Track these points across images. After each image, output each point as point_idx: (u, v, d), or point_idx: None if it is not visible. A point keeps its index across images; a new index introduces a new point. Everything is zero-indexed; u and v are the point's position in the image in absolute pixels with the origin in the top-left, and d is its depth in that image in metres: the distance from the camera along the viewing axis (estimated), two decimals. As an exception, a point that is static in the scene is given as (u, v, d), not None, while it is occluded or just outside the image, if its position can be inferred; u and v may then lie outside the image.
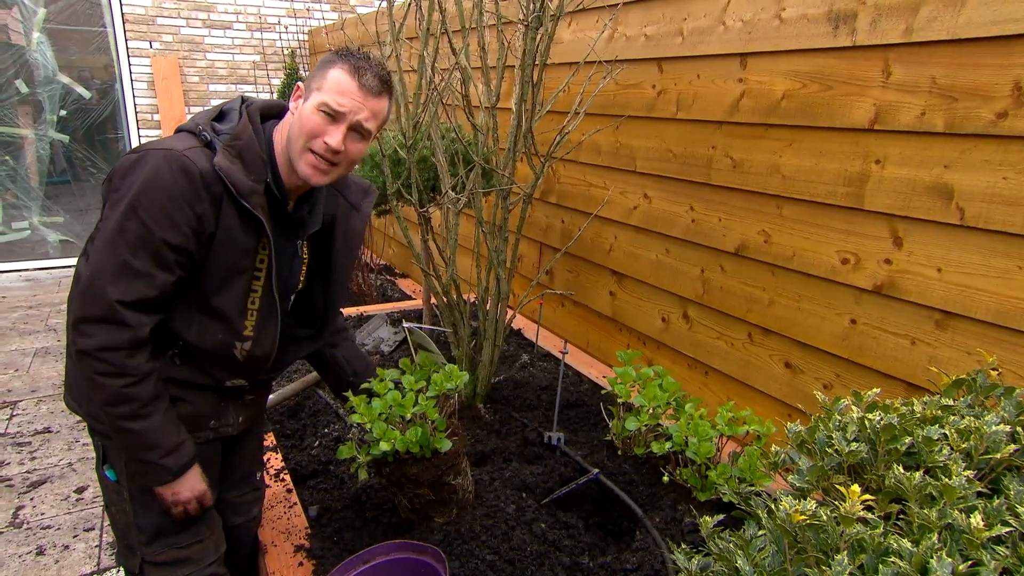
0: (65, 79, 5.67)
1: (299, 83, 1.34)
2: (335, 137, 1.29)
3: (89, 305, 1.20)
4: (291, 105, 1.34)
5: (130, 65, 5.96)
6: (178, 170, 1.20)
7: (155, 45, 6.06)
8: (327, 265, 1.52)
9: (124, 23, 5.88)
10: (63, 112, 5.70)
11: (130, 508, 1.42)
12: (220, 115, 1.34)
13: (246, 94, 1.41)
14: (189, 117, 1.39)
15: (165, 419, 1.32)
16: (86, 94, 5.80)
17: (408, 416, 1.77)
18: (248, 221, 1.30)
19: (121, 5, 5.85)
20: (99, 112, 5.92)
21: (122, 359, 1.22)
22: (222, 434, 1.51)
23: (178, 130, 1.30)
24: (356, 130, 1.31)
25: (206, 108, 1.39)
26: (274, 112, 1.40)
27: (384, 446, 1.69)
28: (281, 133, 1.36)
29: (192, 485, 1.39)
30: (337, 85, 1.28)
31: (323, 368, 1.80)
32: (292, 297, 1.51)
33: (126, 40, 5.91)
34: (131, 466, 1.36)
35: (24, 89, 5.50)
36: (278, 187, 1.35)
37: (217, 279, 1.30)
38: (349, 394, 1.84)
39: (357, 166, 3.46)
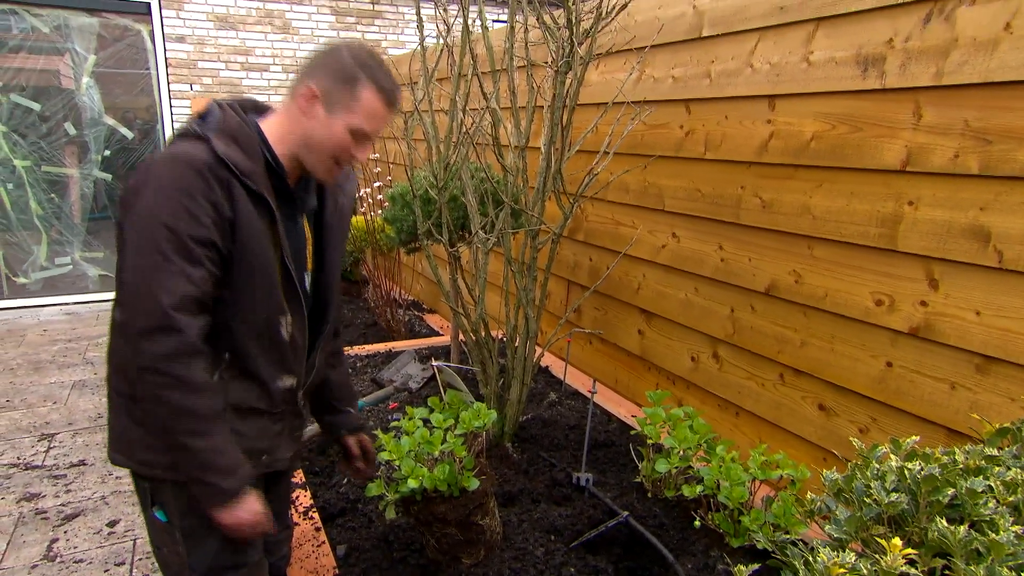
0: (110, 121, 5.91)
1: (310, 84, 1.32)
2: (365, 154, 1.37)
3: (139, 317, 1.21)
4: (300, 103, 1.33)
5: (171, 106, 6.20)
6: (184, 166, 1.23)
7: (195, 87, 6.30)
8: (321, 238, 1.54)
9: (167, 67, 6.14)
10: (107, 152, 5.92)
11: (183, 548, 1.42)
12: (201, 117, 1.36)
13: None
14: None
15: (224, 440, 1.32)
16: (129, 135, 6.03)
17: (436, 454, 1.77)
18: (258, 201, 1.31)
19: (165, 50, 6.11)
20: (140, 152, 6.14)
21: (180, 371, 1.23)
22: (273, 468, 1.51)
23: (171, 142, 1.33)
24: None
25: None
26: (247, 106, 1.43)
27: (412, 483, 1.69)
28: (282, 129, 1.37)
29: (252, 508, 1.37)
30: (372, 112, 1.33)
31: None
32: (307, 279, 1.52)
33: (168, 83, 6.16)
34: (192, 487, 1.35)
35: (72, 131, 5.74)
36: (277, 165, 1.37)
37: (248, 266, 1.32)
38: (379, 432, 1.85)
39: (387, 203, 3.53)
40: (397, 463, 1.74)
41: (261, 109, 1.45)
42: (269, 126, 1.38)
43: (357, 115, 1.32)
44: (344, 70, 1.32)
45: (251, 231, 1.31)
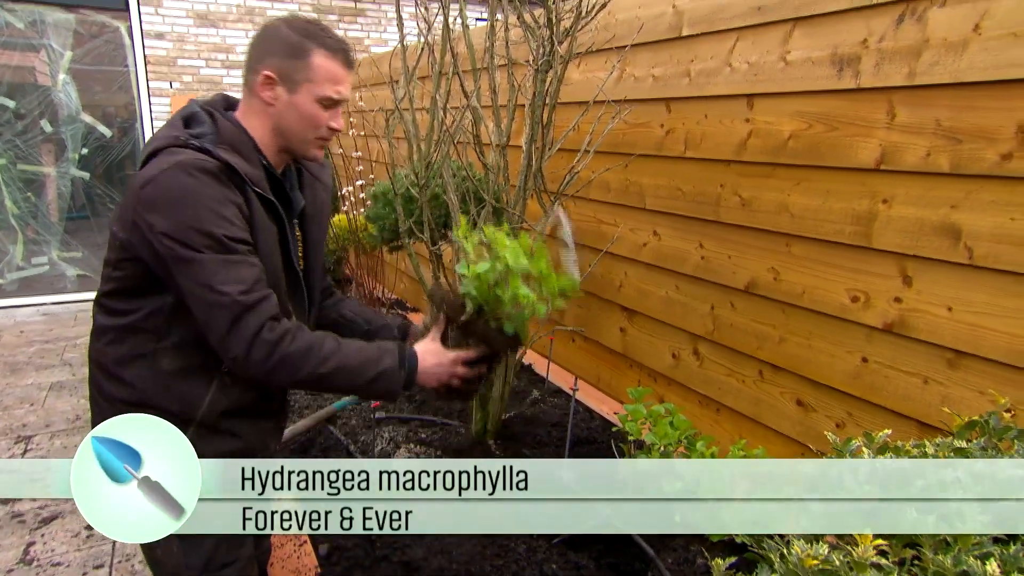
0: (88, 118, 5.82)
1: (264, 71, 1.28)
2: (339, 121, 1.35)
3: (219, 317, 1.21)
4: (262, 93, 1.31)
5: (151, 104, 6.12)
6: (200, 173, 1.20)
7: (175, 85, 6.23)
8: (305, 232, 1.52)
9: (146, 64, 6.06)
10: (84, 150, 5.84)
11: (178, 548, 1.41)
12: (187, 122, 1.33)
13: (194, 98, 1.40)
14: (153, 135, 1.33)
15: (351, 344, 1.31)
16: (107, 132, 5.95)
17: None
18: (267, 206, 1.31)
19: (144, 47, 6.04)
20: (119, 150, 6.06)
21: (272, 334, 1.22)
22: None
23: (158, 150, 1.26)
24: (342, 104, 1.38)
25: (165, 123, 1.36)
26: (224, 106, 1.40)
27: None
28: (258, 127, 1.34)
29: (438, 369, 1.36)
30: (332, 75, 1.30)
31: (340, 331, 1.67)
32: (302, 277, 1.50)
33: (147, 80, 6.08)
34: (376, 395, 1.34)
35: (48, 128, 5.65)
36: (271, 168, 1.36)
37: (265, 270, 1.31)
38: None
39: (369, 202, 3.51)
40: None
41: (233, 104, 1.42)
42: (249, 127, 1.35)
43: (318, 84, 1.30)
44: (291, 45, 1.29)
45: (264, 235, 1.31)
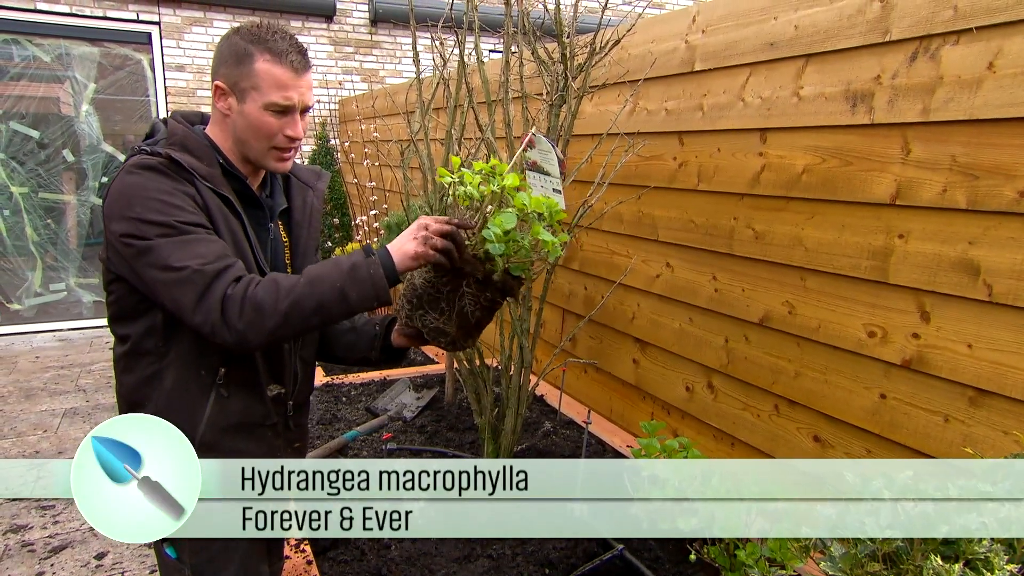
0: (109, 147, 5.94)
1: (216, 82, 1.28)
2: (295, 129, 1.30)
3: (187, 293, 1.18)
4: (218, 104, 1.31)
5: (170, 134, 6.24)
6: (145, 170, 1.21)
7: (194, 115, 6.35)
8: (292, 238, 1.50)
9: (167, 95, 6.20)
10: (104, 178, 5.95)
11: None
12: (148, 136, 1.35)
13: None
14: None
15: (313, 269, 1.24)
16: (127, 161, 6.05)
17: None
18: (225, 203, 1.29)
19: (165, 79, 6.18)
20: (138, 178, 6.16)
21: (236, 289, 1.19)
22: None
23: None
24: (303, 111, 1.33)
25: None
26: (193, 119, 1.40)
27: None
28: (219, 136, 1.35)
29: (406, 238, 1.26)
30: (276, 81, 1.25)
31: (324, 333, 1.63)
32: None
33: (167, 110, 6.21)
34: (364, 294, 1.24)
35: (70, 158, 5.77)
36: (233, 169, 1.34)
37: None
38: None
39: (383, 232, 3.54)
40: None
41: (207, 119, 1.41)
42: (213, 136, 1.35)
43: (264, 91, 1.26)
44: (237, 53, 1.27)
45: (227, 228, 1.28)
